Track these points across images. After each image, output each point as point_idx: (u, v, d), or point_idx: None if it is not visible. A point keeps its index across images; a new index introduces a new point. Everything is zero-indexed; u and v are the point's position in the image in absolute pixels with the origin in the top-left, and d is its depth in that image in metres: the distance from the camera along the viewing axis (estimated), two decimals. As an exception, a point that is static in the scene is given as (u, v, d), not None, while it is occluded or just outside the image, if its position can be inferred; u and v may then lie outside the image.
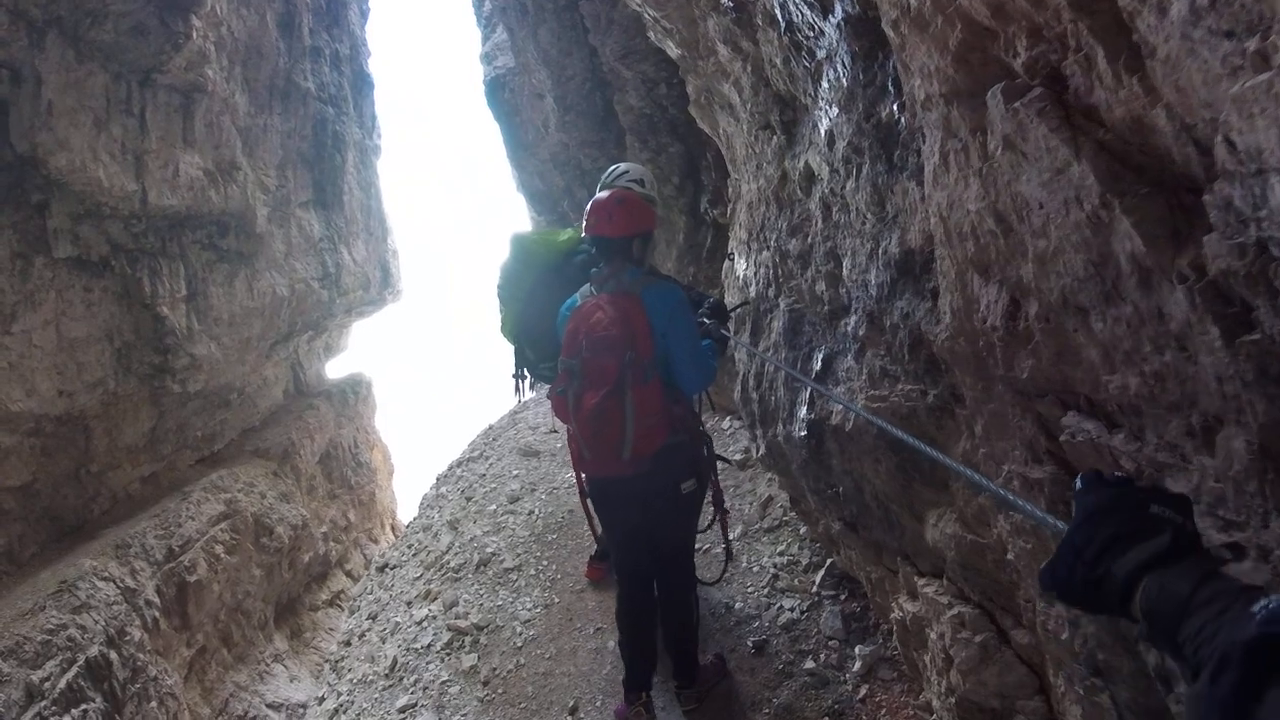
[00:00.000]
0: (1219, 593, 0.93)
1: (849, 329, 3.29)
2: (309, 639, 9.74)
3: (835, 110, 3.12)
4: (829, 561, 5.10)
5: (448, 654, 5.73)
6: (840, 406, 3.42)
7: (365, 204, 13.53)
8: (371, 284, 13.67)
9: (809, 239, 3.81)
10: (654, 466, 3.68)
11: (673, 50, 5.88)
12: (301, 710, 8.17)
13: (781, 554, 5.59)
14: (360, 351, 20.26)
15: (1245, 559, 1.35)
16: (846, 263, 3.23)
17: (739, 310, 5.23)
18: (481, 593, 6.36)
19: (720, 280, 6.97)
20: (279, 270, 10.53)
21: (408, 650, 6.05)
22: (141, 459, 8.42)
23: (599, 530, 4.62)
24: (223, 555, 8.44)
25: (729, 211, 6.13)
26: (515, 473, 9.04)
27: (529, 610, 5.88)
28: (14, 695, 5.10)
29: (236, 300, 9.50)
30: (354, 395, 13.76)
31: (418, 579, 7.39)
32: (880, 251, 2.82)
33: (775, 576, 5.35)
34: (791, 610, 4.96)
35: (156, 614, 7.02)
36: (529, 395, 8.64)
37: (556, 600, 5.93)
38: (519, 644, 5.53)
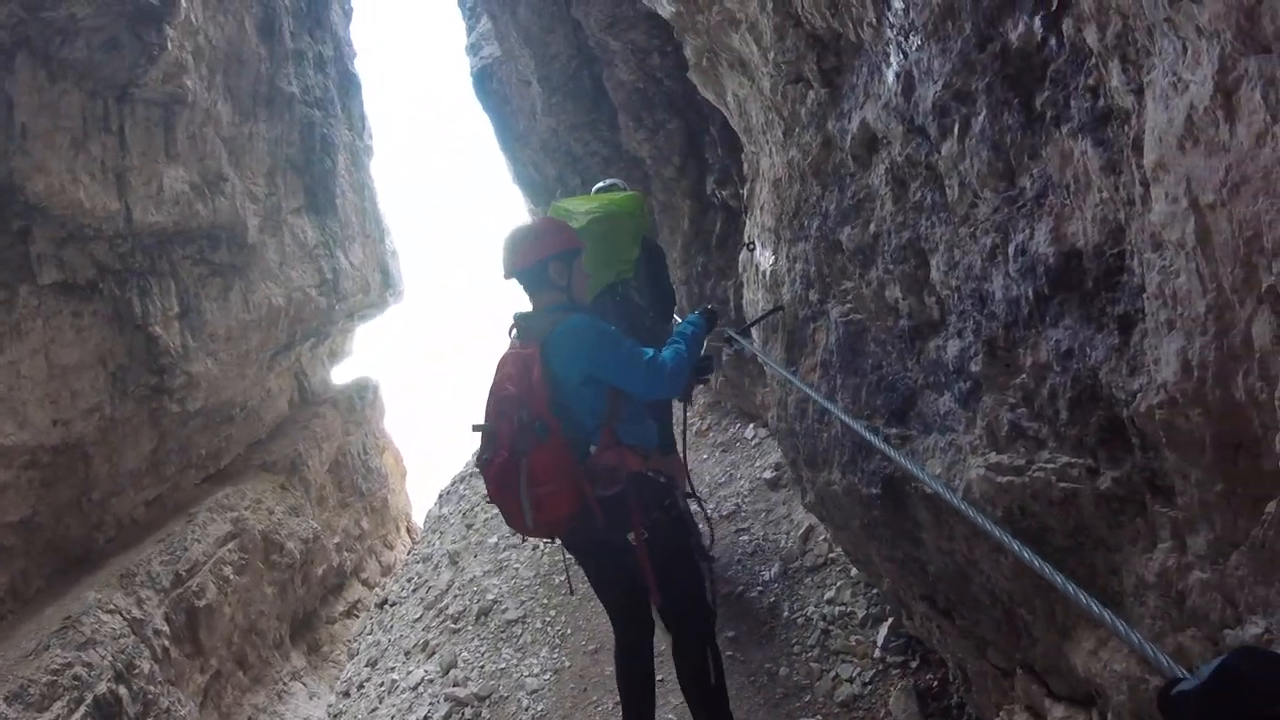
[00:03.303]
0: None
1: (948, 357, 2.34)
2: (327, 653, 9.61)
3: (916, 40, 2.26)
4: (891, 619, 4.17)
5: (447, 731, 5.13)
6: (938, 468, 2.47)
7: (360, 206, 13.32)
8: (372, 287, 13.48)
9: (872, 227, 2.81)
10: (599, 517, 3.26)
11: (665, 8, 4.89)
12: (323, 728, 8.05)
13: (830, 602, 4.65)
14: (366, 355, 19.88)
15: None
16: (939, 261, 2.34)
17: (768, 319, 4.18)
18: (483, 650, 5.70)
19: (737, 274, 6.11)
20: (274, 280, 10.35)
21: (403, 725, 5.39)
22: (145, 482, 8.27)
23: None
24: (232, 576, 8.29)
25: (746, 192, 4.97)
26: (519, 495, 8.36)
27: (536, 676, 5.18)
28: (20, 743, 4.98)
29: (232, 314, 9.33)
30: (361, 400, 13.59)
31: (417, 621, 6.91)
32: (1012, 250, 1.94)
33: (826, 633, 4.44)
34: (851, 681, 4.04)
35: (166, 643, 6.89)
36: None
37: (567, 663, 5.19)
38: (525, 721, 4.87)
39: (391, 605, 7.99)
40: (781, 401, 4.02)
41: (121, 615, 6.49)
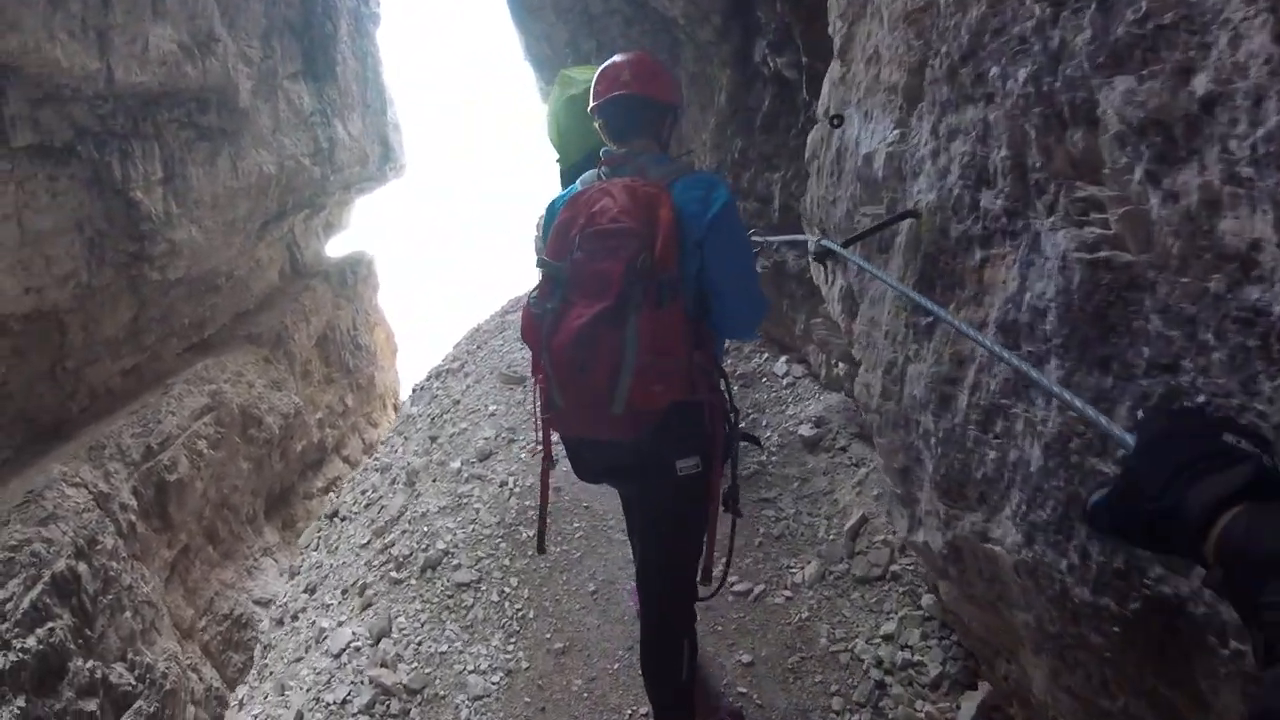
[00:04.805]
0: None
1: None
2: (302, 529, 9.70)
3: None
4: (984, 695, 2.95)
5: (366, 724, 4.15)
6: None
7: (361, 75, 12.81)
8: (370, 159, 13.10)
9: (1202, 79, 1.16)
10: (654, 432, 2.41)
11: None
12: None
13: (890, 640, 3.42)
14: (364, 229, 19.09)
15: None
16: None
17: (876, 233, 2.59)
18: (423, 618, 4.67)
19: (790, 163, 4.78)
20: (266, 147, 10.01)
21: (316, 702, 4.48)
22: (123, 351, 8.15)
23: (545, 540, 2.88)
24: (206, 450, 8.28)
25: (840, 39, 3.06)
26: (492, 408, 7.10)
27: (483, 675, 4.07)
28: (-30, 620, 4.98)
29: (219, 180, 9.03)
30: (353, 275, 13.41)
31: (362, 549, 6.10)
32: None
33: (881, 687, 3.26)
34: (922, 777, 2.86)
35: (133, 517, 6.89)
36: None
37: (524, 664, 4.05)
38: (462, 740, 3.69)
39: (341, 520, 7.40)
40: (893, 368, 2.52)
41: (87, 489, 6.46)
